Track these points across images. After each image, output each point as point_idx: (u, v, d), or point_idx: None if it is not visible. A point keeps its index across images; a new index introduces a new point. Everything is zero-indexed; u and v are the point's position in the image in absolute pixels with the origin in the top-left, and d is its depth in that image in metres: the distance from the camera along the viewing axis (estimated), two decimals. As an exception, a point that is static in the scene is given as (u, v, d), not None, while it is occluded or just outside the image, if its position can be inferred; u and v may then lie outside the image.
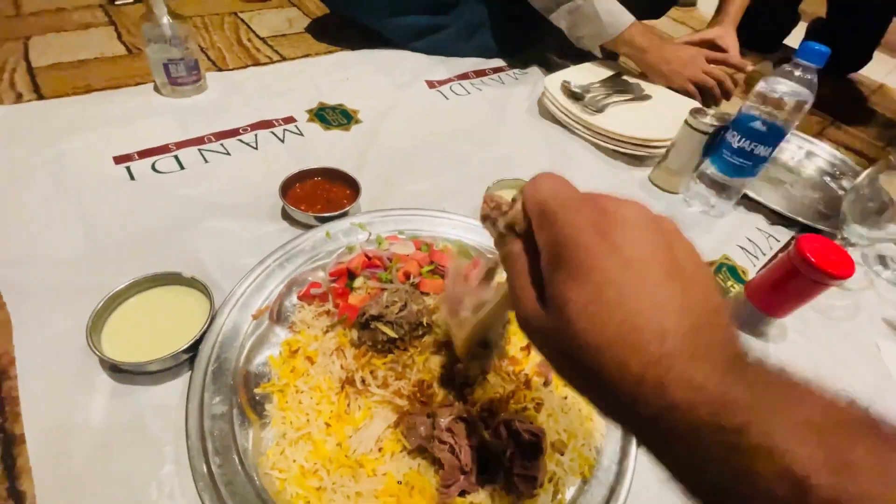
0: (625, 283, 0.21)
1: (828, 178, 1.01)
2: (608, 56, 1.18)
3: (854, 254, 0.64)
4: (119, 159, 0.72)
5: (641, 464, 0.48)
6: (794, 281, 0.60)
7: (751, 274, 0.76)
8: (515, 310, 0.27)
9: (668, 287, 0.22)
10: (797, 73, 0.68)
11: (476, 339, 0.45)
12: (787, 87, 0.68)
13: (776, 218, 0.87)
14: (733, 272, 0.76)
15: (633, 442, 0.49)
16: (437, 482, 0.43)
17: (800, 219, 0.85)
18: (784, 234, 0.84)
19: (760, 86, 0.71)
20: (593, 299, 0.22)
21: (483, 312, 0.41)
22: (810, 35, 1.55)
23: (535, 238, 0.26)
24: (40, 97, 0.82)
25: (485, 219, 0.31)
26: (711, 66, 1.02)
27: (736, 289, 0.72)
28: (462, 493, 0.43)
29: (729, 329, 0.22)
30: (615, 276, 0.22)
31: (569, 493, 0.46)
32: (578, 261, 0.22)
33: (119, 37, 1.02)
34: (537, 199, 0.26)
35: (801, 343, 0.67)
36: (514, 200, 0.28)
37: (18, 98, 0.81)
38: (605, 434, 0.50)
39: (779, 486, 0.17)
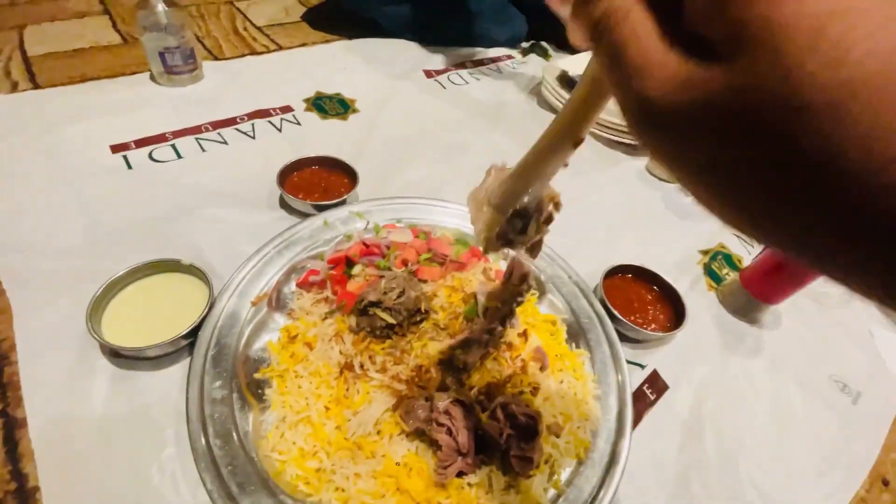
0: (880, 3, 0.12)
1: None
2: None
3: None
4: (116, 148, 0.72)
5: (635, 446, 0.49)
6: (788, 268, 0.61)
7: (746, 261, 0.76)
8: (637, 93, 0.16)
9: None
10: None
11: (511, 203, 0.33)
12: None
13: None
14: (728, 260, 0.76)
15: (629, 425, 0.50)
16: (435, 463, 0.44)
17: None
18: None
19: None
20: (845, 8, 0.12)
21: (522, 161, 0.31)
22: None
23: None
24: (36, 86, 0.82)
25: None
26: None
27: (731, 276, 0.73)
28: (459, 474, 0.44)
29: None
30: None
31: (564, 474, 0.47)
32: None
33: (114, 25, 1.01)
34: None
35: (795, 329, 0.68)
36: None
37: (14, 87, 0.81)
38: (601, 417, 0.51)
39: None
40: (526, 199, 0.32)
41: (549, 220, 0.34)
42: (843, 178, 0.12)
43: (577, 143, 0.27)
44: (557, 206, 0.33)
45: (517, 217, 0.33)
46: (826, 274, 0.15)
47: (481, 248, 0.37)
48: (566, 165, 0.29)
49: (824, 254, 0.14)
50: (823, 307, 0.72)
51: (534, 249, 0.37)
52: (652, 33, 0.16)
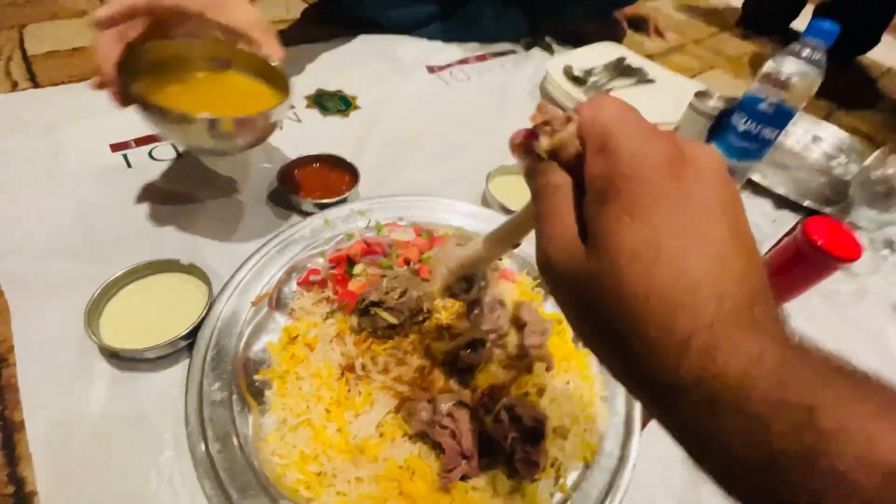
0: (691, 234, 0.19)
1: (834, 163, 0.99)
2: (612, 39, 1.16)
3: (861, 238, 0.63)
4: (116, 147, 0.71)
5: (644, 449, 0.48)
6: (799, 265, 0.59)
7: (755, 259, 0.75)
8: (543, 249, 0.23)
9: (733, 248, 0.20)
10: (805, 52, 0.66)
11: (461, 271, 0.43)
12: (795, 67, 0.67)
13: (782, 202, 0.86)
14: (738, 257, 0.75)
15: (636, 427, 0.49)
16: (439, 467, 0.43)
17: (806, 203, 0.83)
18: (790, 219, 0.83)
19: (768, 66, 0.70)
20: (650, 245, 0.19)
21: (475, 245, 0.40)
22: (817, 16, 1.52)
23: (587, 167, 0.22)
24: (36, 85, 0.81)
25: (521, 144, 0.26)
26: None
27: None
28: (463, 478, 0.43)
29: (780, 306, 0.21)
30: (681, 223, 0.19)
31: (571, 478, 0.46)
32: (641, 198, 0.19)
33: (114, 24, 1.00)
34: (600, 121, 0.22)
35: (806, 328, 0.66)
36: (567, 119, 0.24)
37: (14, 86, 0.80)
38: (608, 419, 0.49)
39: (860, 470, 0.16)
40: (471, 274, 0.45)
41: (486, 288, 0.49)
42: (637, 336, 0.20)
43: (515, 245, 0.38)
44: (489, 284, 0.49)
45: (463, 280, 0.45)
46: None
47: (436, 293, 0.47)
48: (515, 247, 0.39)
49: (628, 377, 0.23)
50: (834, 305, 0.70)
51: (472, 307, 0.50)
52: (567, 212, 0.23)
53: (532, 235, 0.27)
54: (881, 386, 0.18)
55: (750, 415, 0.18)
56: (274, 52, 0.58)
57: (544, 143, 0.24)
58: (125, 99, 0.49)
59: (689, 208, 0.20)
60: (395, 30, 1.09)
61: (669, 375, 0.19)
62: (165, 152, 0.72)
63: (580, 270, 0.21)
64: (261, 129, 0.54)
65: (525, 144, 0.26)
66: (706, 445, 0.20)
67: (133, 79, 0.51)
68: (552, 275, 0.23)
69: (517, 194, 0.73)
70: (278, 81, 0.57)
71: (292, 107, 0.86)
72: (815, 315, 0.68)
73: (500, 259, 0.44)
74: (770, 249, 0.69)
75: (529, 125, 0.26)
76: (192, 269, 0.53)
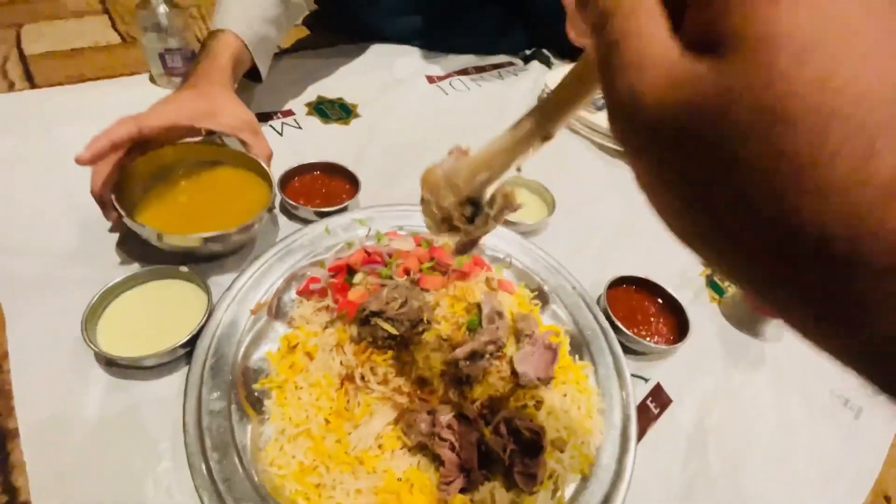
0: (881, 30, 0.12)
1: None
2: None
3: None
4: (114, 150, 0.71)
5: (640, 461, 0.48)
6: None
7: (748, 273, 0.76)
8: (632, 83, 0.15)
9: None
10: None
11: (467, 182, 0.31)
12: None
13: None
14: (731, 272, 0.76)
15: (633, 440, 0.49)
16: (438, 479, 0.43)
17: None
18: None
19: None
20: (827, 36, 0.12)
21: (493, 144, 0.30)
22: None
23: None
24: (33, 86, 0.81)
25: None
26: None
27: (734, 289, 0.72)
28: (462, 491, 0.43)
29: None
30: (870, 10, 0.12)
31: (568, 490, 0.46)
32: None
33: (114, 25, 1.00)
34: None
35: (798, 343, 0.67)
36: None
37: (11, 87, 0.79)
38: (605, 432, 0.50)
39: None
40: (482, 186, 0.31)
41: (499, 217, 0.32)
42: (809, 186, 0.12)
43: (547, 138, 0.28)
44: (511, 205, 0.32)
45: (469, 203, 0.31)
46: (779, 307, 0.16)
47: (427, 227, 0.36)
48: (547, 139, 0.28)
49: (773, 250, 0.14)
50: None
51: (467, 246, 0.36)
52: (658, 27, 0.15)
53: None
54: None
55: None
56: (262, 151, 0.64)
57: None
58: (118, 215, 0.53)
59: None
60: (396, 38, 1.09)
61: (857, 249, 0.12)
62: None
63: (711, 89, 0.14)
64: (235, 241, 0.58)
65: None
66: (870, 337, 0.13)
67: (127, 191, 0.56)
68: (652, 119, 0.15)
69: (516, 206, 0.74)
70: (264, 174, 0.62)
71: (293, 114, 0.86)
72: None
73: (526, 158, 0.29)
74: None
75: None
76: (191, 277, 0.53)
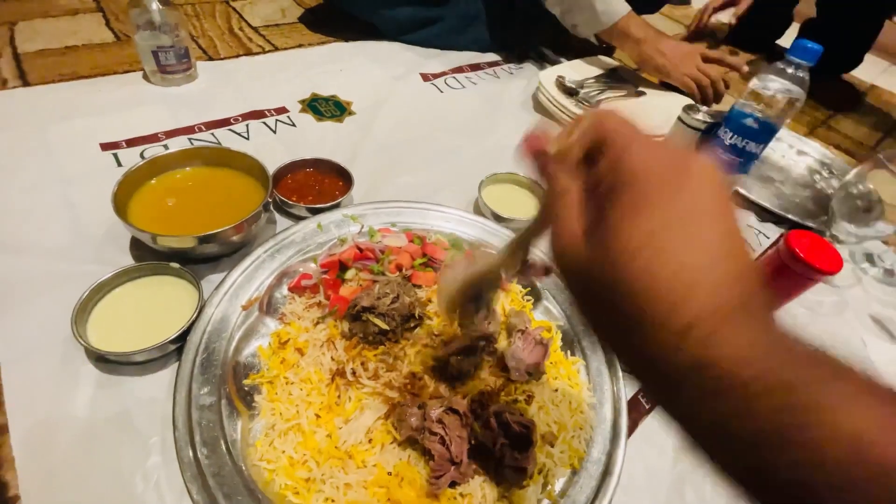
0: (690, 231, 0.21)
1: (817, 177, 1.02)
2: (603, 51, 1.18)
3: (842, 251, 0.64)
4: (106, 146, 0.71)
5: (630, 455, 0.49)
6: (782, 276, 0.61)
7: (741, 270, 0.76)
8: (556, 244, 0.26)
9: (730, 247, 0.21)
10: (790, 70, 0.68)
11: (468, 291, 0.42)
12: (780, 85, 0.69)
13: (766, 215, 0.88)
14: (723, 268, 0.76)
15: (623, 434, 0.49)
16: (428, 473, 0.43)
17: (789, 216, 0.85)
18: (773, 232, 0.85)
19: (753, 83, 0.72)
20: (653, 240, 0.21)
21: (483, 262, 0.40)
22: (802, 35, 1.57)
23: (598, 167, 0.24)
24: (26, 84, 0.80)
25: (530, 149, 0.29)
26: (707, 64, 1.01)
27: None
28: (452, 484, 0.43)
29: (769, 301, 0.22)
30: (682, 223, 0.21)
31: (558, 484, 0.46)
32: (645, 196, 0.22)
33: (107, 23, 1.00)
34: (608, 125, 0.25)
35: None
36: (573, 128, 0.27)
37: (3, 84, 0.79)
38: (595, 426, 0.50)
39: (832, 443, 0.18)
40: (480, 294, 0.43)
41: (494, 316, 0.52)
42: (640, 324, 0.22)
43: (524, 261, 0.37)
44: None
45: (472, 302, 0.44)
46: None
47: (443, 319, 0.50)
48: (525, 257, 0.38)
49: (632, 363, 0.24)
50: (816, 316, 0.72)
51: (477, 343, 0.50)
52: (576, 211, 0.25)
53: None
54: (856, 373, 0.20)
55: (742, 396, 0.19)
56: None
57: (552, 147, 0.27)
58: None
59: (688, 210, 0.21)
60: (390, 31, 1.09)
61: (670, 361, 0.21)
62: (157, 154, 0.72)
63: (589, 262, 0.23)
64: (231, 242, 0.58)
65: (534, 149, 0.29)
66: (703, 425, 0.21)
67: (122, 193, 0.57)
68: (565, 267, 0.25)
69: (509, 202, 0.74)
70: (260, 174, 0.63)
71: (287, 111, 0.86)
72: (799, 324, 0.69)
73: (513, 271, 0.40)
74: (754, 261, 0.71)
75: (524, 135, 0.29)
76: (181, 273, 0.53)
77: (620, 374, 0.55)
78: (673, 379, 0.21)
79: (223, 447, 0.42)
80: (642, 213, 0.21)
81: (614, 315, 0.22)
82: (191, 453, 0.41)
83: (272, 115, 0.84)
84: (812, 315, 0.72)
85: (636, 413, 0.55)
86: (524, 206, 0.75)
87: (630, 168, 0.22)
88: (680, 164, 0.23)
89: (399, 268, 0.58)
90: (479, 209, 0.73)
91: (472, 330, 0.49)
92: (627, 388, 0.55)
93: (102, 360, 0.48)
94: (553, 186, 0.27)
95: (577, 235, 0.24)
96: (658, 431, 0.54)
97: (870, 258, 0.83)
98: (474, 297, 0.43)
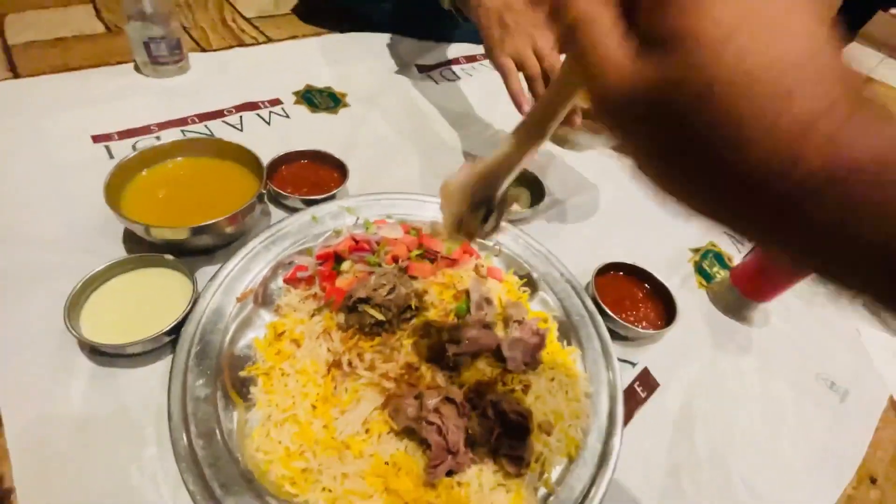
0: (776, 18, 0.17)
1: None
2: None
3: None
4: (98, 138, 0.70)
5: (626, 444, 0.49)
6: (777, 267, 0.61)
7: (736, 260, 0.76)
8: (600, 85, 0.20)
9: (822, 33, 0.17)
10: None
11: (478, 191, 0.36)
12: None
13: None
14: (719, 258, 0.76)
15: (619, 423, 0.50)
16: (425, 462, 0.43)
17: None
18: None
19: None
20: (745, 19, 0.17)
21: (501, 148, 0.33)
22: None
23: None
24: (16, 76, 0.79)
25: None
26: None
27: (721, 275, 0.73)
28: (449, 473, 0.43)
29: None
30: (763, 6, 0.17)
31: (555, 472, 0.46)
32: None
33: (98, 14, 0.99)
34: None
35: (784, 328, 0.68)
36: None
37: (-7, 76, 0.78)
38: (592, 415, 0.50)
39: None
40: (492, 190, 0.36)
41: (505, 215, 0.39)
42: (737, 137, 0.17)
43: (540, 141, 0.31)
44: (512, 203, 0.39)
45: (482, 205, 0.37)
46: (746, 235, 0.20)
47: (445, 234, 0.41)
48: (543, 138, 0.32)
49: (729, 201, 0.19)
50: (811, 306, 0.72)
51: (487, 235, 0.41)
52: (612, 37, 0.20)
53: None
54: None
55: (889, 200, 0.16)
56: None
57: None
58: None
59: None
60: (382, 21, 1.08)
61: (794, 175, 0.16)
62: (149, 145, 0.71)
63: (657, 83, 0.18)
64: (225, 233, 0.58)
65: None
66: (839, 246, 0.17)
67: (115, 184, 0.56)
68: (619, 111, 0.20)
69: (505, 194, 0.74)
70: (254, 165, 0.62)
71: (281, 103, 0.85)
72: (794, 314, 0.70)
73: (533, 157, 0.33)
74: (750, 251, 0.71)
75: None
76: (175, 265, 0.52)
77: (616, 363, 0.55)
78: (796, 198, 0.17)
79: (219, 438, 0.42)
80: (716, 4, 0.17)
81: (699, 143, 0.18)
82: (186, 443, 0.41)
83: (266, 106, 0.84)
84: (807, 305, 0.72)
85: (632, 402, 0.55)
86: (521, 198, 0.75)
87: None
88: None
89: (395, 259, 0.58)
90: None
91: (480, 235, 0.40)
92: (623, 378, 0.55)
93: (96, 353, 0.47)
94: (577, 12, 0.21)
95: (628, 56, 0.19)
96: (655, 421, 0.54)
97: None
98: (485, 199, 0.36)
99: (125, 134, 0.72)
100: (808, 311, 0.71)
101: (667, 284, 0.63)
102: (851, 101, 0.16)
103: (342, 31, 1.08)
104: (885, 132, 0.16)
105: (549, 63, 0.66)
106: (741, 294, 0.66)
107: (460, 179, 0.36)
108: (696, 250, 0.76)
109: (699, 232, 0.79)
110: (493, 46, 0.69)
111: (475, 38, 1.13)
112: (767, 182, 0.17)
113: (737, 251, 0.78)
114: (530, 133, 0.31)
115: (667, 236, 0.76)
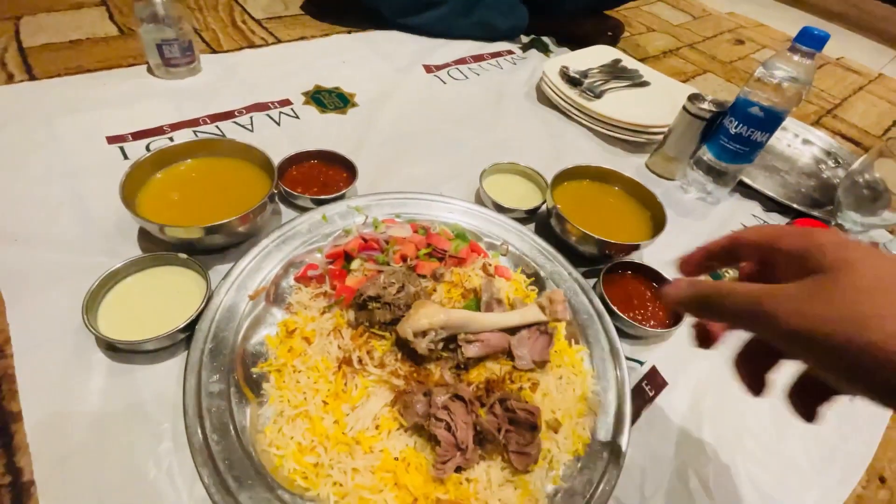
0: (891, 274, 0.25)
1: (822, 167, 1.01)
2: (608, 41, 1.17)
3: (847, 239, 0.64)
4: (112, 139, 0.72)
5: (634, 442, 0.49)
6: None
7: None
8: (771, 308, 0.28)
9: None
10: (796, 58, 0.68)
11: (443, 329, 0.48)
12: (785, 73, 0.68)
13: (771, 205, 0.87)
14: (728, 258, 0.76)
15: (627, 421, 0.50)
16: (434, 459, 0.44)
17: (795, 205, 0.85)
18: (779, 221, 0.85)
19: (759, 71, 0.71)
20: (870, 283, 0.25)
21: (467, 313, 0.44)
22: None
23: (776, 257, 0.31)
24: (32, 78, 0.81)
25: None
26: None
27: (730, 274, 0.73)
28: (458, 470, 0.44)
29: None
30: (884, 267, 0.26)
31: (563, 469, 0.46)
32: (843, 257, 0.26)
33: (111, 17, 1.00)
34: (765, 231, 0.32)
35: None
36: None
37: (10, 79, 0.80)
38: (599, 413, 0.51)
39: None
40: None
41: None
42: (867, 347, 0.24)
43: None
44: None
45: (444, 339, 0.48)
46: None
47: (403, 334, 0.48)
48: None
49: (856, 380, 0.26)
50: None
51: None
52: (754, 285, 0.29)
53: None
54: None
55: None
56: None
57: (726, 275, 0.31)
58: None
59: (878, 258, 0.26)
60: (392, 15, 1.09)
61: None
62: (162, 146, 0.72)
63: (800, 308, 0.26)
64: (238, 232, 0.59)
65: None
66: None
67: (130, 184, 0.57)
68: (779, 317, 0.27)
69: (510, 192, 0.74)
70: (266, 165, 0.64)
71: (290, 104, 0.86)
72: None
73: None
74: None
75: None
76: (189, 263, 0.53)
77: (624, 361, 0.55)
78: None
79: (233, 433, 0.43)
80: (848, 266, 0.26)
81: (835, 343, 0.25)
82: (201, 439, 0.42)
83: (276, 107, 0.85)
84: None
85: (640, 401, 0.55)
86: (525, 196, 0.75)
87: (819, 241, 0.28)
88: (846, 238, 0.28)
89: (404, 258, 0.58)
90: (480, 199, 0.73)
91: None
92: (631, 376, 0.55)
93: (113, 349, 0.48)
94: (729, 290, 0.31)
95: (786, 288, 0.28)
96: (663, 419, 0.54)
97: (875, 247, 0.83)
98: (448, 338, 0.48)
99: (139, 135, 0.73)
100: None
101: (675, 283, 0.62)
102: None
103: (350, 29, 1.09)
104: None
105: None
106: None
107: (432, 315, 0.47)
108: (704, 249, 0.76)
109: (707, 231, 0.79)
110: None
111: (483, 31, 1.14)
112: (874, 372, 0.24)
113: (745, 250, 0.78)
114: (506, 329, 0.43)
115: (674, 235, 0.76)
